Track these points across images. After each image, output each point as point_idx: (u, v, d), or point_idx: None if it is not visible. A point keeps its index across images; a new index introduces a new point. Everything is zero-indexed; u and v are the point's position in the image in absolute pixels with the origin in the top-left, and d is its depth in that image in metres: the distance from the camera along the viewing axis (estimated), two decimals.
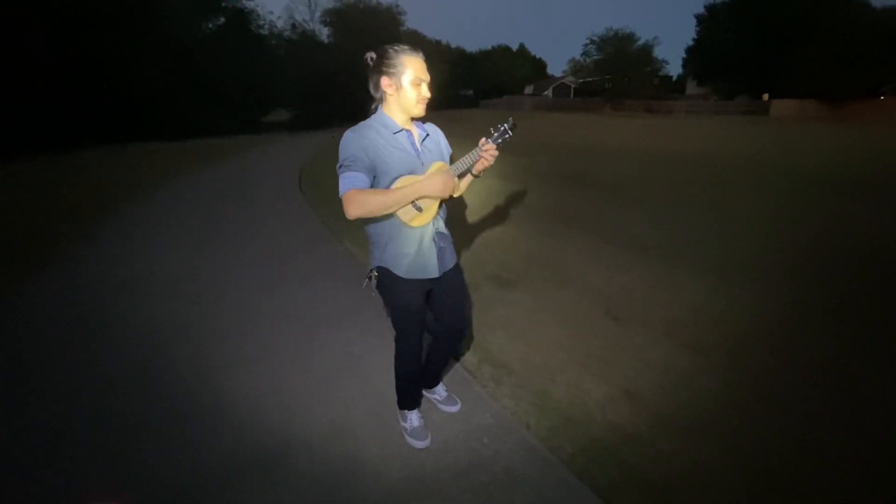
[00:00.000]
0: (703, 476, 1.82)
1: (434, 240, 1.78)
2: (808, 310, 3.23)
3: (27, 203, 7.37)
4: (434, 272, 1.79)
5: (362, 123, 1.68)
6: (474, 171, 1.78)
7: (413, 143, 1.71)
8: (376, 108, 1.71)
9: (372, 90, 1.68)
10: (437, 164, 1.73)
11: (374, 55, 1.65)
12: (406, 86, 1.62)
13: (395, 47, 1.62)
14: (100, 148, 16.21)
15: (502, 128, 1.68)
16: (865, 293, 3.49)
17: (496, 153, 1.70)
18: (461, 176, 1.78)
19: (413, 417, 2.05)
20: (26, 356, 2.81)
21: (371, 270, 1.80)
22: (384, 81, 1.63)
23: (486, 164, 1.72)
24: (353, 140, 1.60)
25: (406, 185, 1.61)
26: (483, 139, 1.70)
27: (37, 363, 2.73)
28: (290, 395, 2.36)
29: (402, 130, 1.68)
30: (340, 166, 1.59)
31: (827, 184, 7.51)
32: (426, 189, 1.61)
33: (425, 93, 1.66)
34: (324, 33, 35.94)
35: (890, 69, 26.55)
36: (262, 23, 31.19)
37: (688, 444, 1.98)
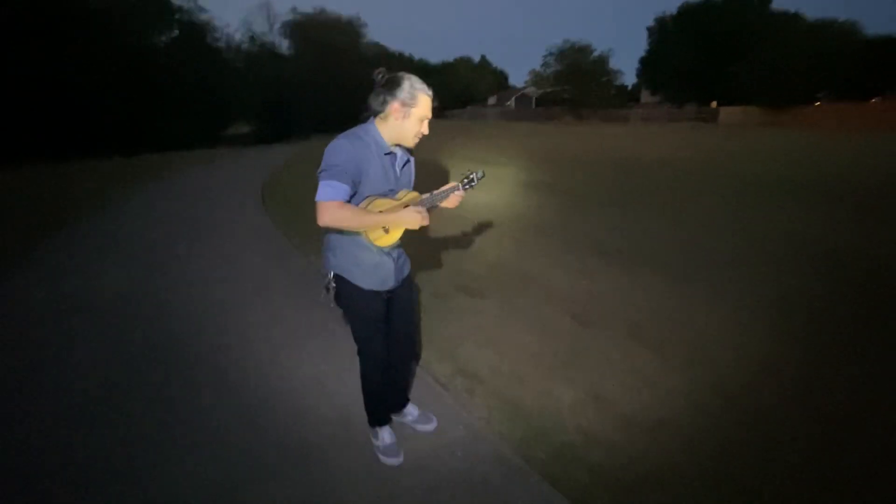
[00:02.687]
0: (670, 475, 1.88)
1: (390, 254, 1.83)
2: (757, 308, 3.41)
3: None
4: (391, 283, 1.85)
5: (355, 132, 1.67)
6: (440, 205, 1.85)
7: (395, 168, 1.75)
8: (368, 119, 1.71)
9: (375, 104, 1.67)
10: (411, 195, 1.78)
11: (385, 74, 1.67)
12: (413, 119, 1.66)
13: (415, 82, 1.65)
14: (46, 163, 15.33)
15: (472, 176, 1.82)
16: (809, 290, 3.72)
17: (462, 196, 1.84)
18: (429, 210, 1.82)
19: (384, 434, 2.02)
20: None
21: (329, 280, 1.79)
22: (395, 105, 1.63)
23: (452, 205, 1.84)
24: (346, 148, 1.59)
25: (384, 213, 1.66)
26: (454, 183, 1.82)
27: None
28: (258, 418, 2.29)
29: (391, 153, 1.72)
30: (323, 171, 1.57)
31: (773, 185, 7.98)
32: (401, 221, 1.67)
33: (425, 130, 1.71)
34: (283, 45, 35.44)
35: (824, 77, 28.69)
36: (218, 35, 30.49)
37: (654, 445, 2.04)
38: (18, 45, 16.84)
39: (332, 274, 1.78)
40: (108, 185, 10.83)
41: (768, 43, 28.95)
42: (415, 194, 1.80)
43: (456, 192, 1.80)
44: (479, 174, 1.82)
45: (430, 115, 1.70)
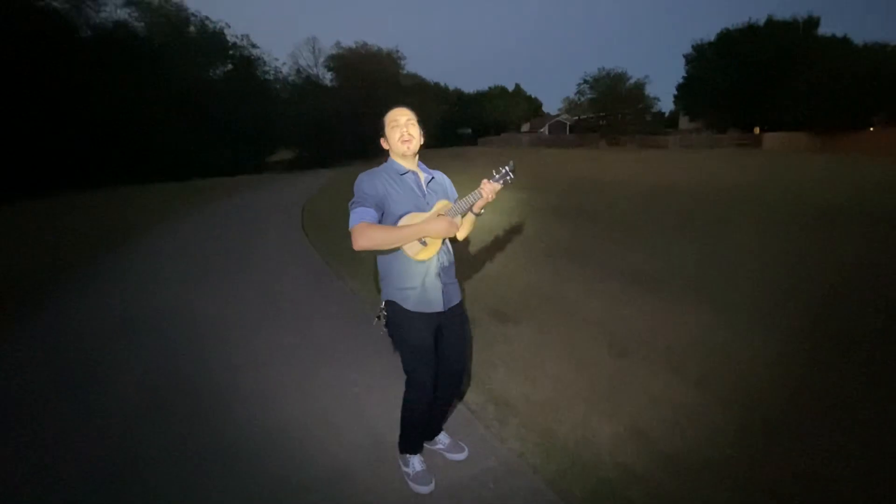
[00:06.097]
0: None
1: (439, 275, 1.86)
2: (808, 340, 3.20)
3: (8, 248, 7.46)
4: (439, 306, 1.86)
5: (374, 168, 1.87)
6: (475, 210, 1.88)
7: (419, 184, 1.87)
8: (387, 159, 1.92)
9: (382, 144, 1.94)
10: (442, 203, 1.86)
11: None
12: (388, 134, 1.87)
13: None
14: (109, 188, 16.50)
15: (504, 170, 1.84)
16: (864, 322, 3.47)
17: (497, 189, 1.83)
18: (463, 215, 1.87)
19: (415, 462, 2.00)
20: (24, 397, 2.78)
21: (381, 308, 1.88)
22: (381, 141, 1.90)
23: (487, 200, 1.84)
24: (366, 180, 1.81)
25: (411, 224, 1.74)
26: (485, 180, 1.83)
27: (33, 404, 2.69)
28: (290, 438, 2.32)
29: (408, 172, 1.85)
30: (353, 203, 1.74)
31: (824, 214, 7.58)
32: (430, 229, 1.74)
33: (404, 133, 1.84)
34: (327, 77, 37.33)
35: (877, 101, 27.29)
36: (267, 69, 32.55)
37: (697, 485, 1.93)
38: (78, 79, 18.45)
39: (384, 302, 1.87)
40: (164, 208, 11.52)
41: (815, 66, 27.96)
42: (447, 203, 1.87)
43: (487, 186, 1.81)
44: (510, 165, 1.84)
45: (400, 117, 1.85)
